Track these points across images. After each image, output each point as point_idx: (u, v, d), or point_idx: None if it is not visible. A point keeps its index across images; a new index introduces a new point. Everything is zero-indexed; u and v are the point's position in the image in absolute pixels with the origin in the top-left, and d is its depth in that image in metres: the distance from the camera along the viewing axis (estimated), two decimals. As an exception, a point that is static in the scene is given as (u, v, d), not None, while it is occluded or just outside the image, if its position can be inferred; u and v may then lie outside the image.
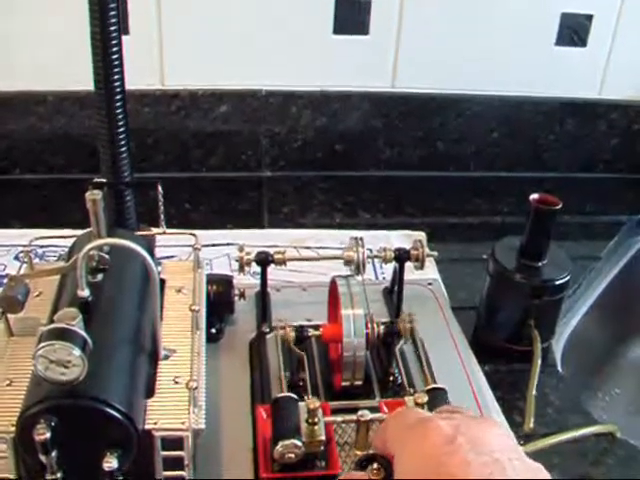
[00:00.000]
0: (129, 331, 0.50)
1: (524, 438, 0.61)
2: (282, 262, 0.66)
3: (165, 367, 0.52)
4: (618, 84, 1.01)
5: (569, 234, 0.88)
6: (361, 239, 0.66)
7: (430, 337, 0.67)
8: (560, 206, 0.66)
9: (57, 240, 0.64)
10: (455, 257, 0.85)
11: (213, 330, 0.65)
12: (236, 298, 0.67)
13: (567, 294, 0.71)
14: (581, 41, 0.97)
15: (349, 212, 0.94)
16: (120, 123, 0.58)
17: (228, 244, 0.82)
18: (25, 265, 0.59)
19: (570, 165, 1.05)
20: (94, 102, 0.58)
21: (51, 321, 0.43)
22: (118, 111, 0.57)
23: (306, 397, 0.56)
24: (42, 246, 0.77)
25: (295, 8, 0.91)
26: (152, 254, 0.62)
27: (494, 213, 0.96)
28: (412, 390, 0.60)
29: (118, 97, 0.57)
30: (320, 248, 0.83)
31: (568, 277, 0.68)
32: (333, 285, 0.63)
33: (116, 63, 0.56)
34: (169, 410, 0.48)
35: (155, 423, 0.47)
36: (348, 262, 0.65)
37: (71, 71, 0.86)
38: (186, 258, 0.74)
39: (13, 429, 0.44)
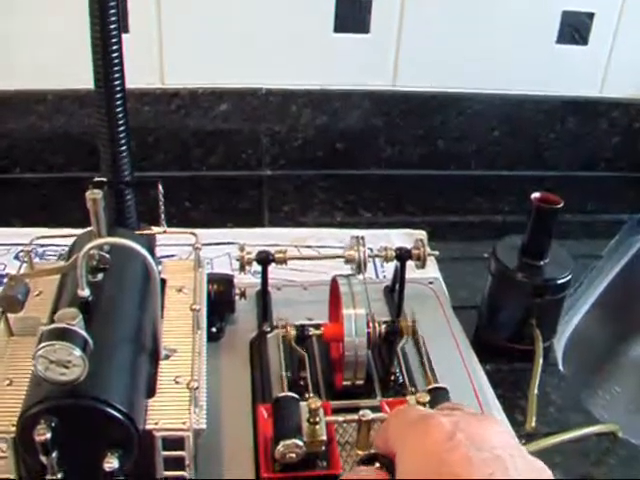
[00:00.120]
0: (130, 331, 0.50)
1: (526, 437, 0.61)
2: (283, 261, 0.66)
3: (166, 367, 0.51)
4: (619, 82, 1.01)
5: (570, 233, 0.88)
6: (362, 238, 0.65)
7: (431, 336, 0.67)
8: (562, 205, 0.66)
9: (57, 239, 0.64)
10: (456, 256, 0.85)
11: (214, 329, 0.65)
12: (237, 297, 0.67)
13: (569, 293, 0.71)
14: (582, 39, 0.97)
15: (350, 211, 0.94)
16: (120, 122, 0.58)
17: (229, 243, 0.81)
18: (25, 264, 0.59)
19: (571, 163, 1.05)
20: (94, 101, 0.57)
21: (51, 321, 0.43)
22: (118, 110, 0.57)
23: (307, 396, 0.56)
24: (42, 245, 0.77)
25: (295, 6, 0.91)
26: (153, 253, 0.61)
27: (495, 212, 0.96)
28: (413, 389, 0.60)
29: (118, 96, 0.57)
30: (321, 247, 0.83)
31: (570, 276, 0.68)
32: (334, 284, 0.63)
33: (116, 62, 0.55)
34: (170, 410, 0.48)
35: (156, 423, 0.47)
36: (349, 261, 0.65)
37: (71, 70, 0.86)
38: (186, 257, 0.74)
39: (13, 429, 0.44)
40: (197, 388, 0.49)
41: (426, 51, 0.96)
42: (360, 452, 0.53)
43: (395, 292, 0.70)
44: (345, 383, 0.60)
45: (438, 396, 0.55)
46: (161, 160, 0.97)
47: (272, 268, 0.67)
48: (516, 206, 0.96)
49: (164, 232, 0.63)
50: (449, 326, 0.71)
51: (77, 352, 0.41)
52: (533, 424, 0.62)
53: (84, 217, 0.50)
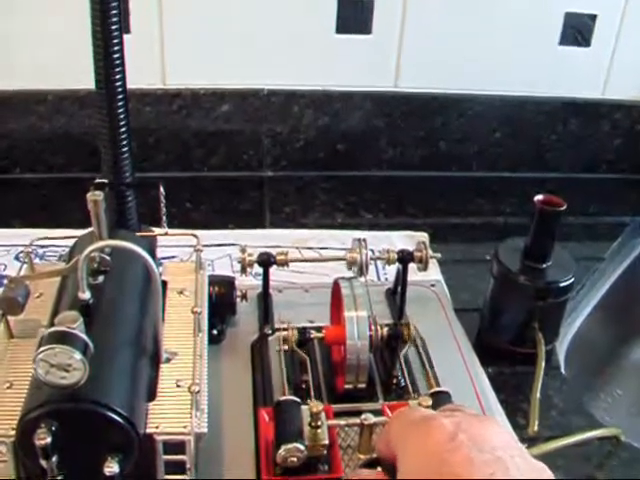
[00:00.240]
0: (130, 334, 0.50)
1: (528, 441, 0.60)
2: (284, 263, 0.66)
3: (167, 370, 0.51)
4: (622, 84, 1.01)
5: (572, 235, 0.88)
6: (364, 240, 0.65)
7: (433, 339, 0.66)
8: (565, 207, 0.65)
9: (58, 240, 0.64)
10: (457, 258, 0.84)
11: (215, 332, 0.65)
12: (238, 299, 0.67)
13: (571, 296, 0.71)
14: (585, 41, 0.97)
15: (351, 212, 0.94)
16: (121, 123, 0.58)
17: (230, 244, 0.81)
18: (25, 266, 0.58)
19: (573, 165, 1.05)
20: (95, 101, 0.57)
21: (51, 324, 0.43)
22: (119, 111, 0.57)
23: (308, 400, 0.56)
24: (42, 246, 0.77)
25: (297, 7, 0.91)
26: (153, 255, 0.61)
27: (496, 214, 0.95)
28: (416, 395, 0.60)
29: (119, 97, 0.56)
30: (322, 248, 0.83)
31: (572, 279, 0.68)
32: (336, 287, 0.63)
33: (117, 62, 0.55)
34: (171, 414, 0.48)
35: (157, 427, 0.47)
36: (351, 264, 0.65)
37: (71, 70, 0.86)
38: (187, 258, 0.73)
39: (13, 433, 0.43)
40: (198, 392, 0.49)
41: (428, 52, 0.95)
42: (362, 456, 0.53)
43: (397, 295, 0.70)
44: (347, 386, 0.60)
45: (440, 400, 0.54)
46: (162, 161, 0.96)
47: (273, 270, 0.67)
48: (517, 208, 0.96)
49: (165, 234, 0.62)
50: (451, 329, 0.70)
51: (77, 356, 0.41)
52: (536, 428, 0.62)
53: (84, 218, 0.50)
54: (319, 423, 0.52)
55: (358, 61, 0.95)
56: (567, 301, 0.70)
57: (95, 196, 0.49)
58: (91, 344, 0.42)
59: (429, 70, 0.97)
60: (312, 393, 0.60)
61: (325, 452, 0.52)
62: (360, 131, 0.99)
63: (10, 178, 0.94)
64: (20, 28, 0.87)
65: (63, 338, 0.41)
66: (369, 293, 0.60)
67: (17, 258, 0.78)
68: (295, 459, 0.51)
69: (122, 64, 0.56)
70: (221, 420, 0.57)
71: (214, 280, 0.65)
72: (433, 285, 0.76)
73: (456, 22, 0.94)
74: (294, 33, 0.92)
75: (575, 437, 0.61)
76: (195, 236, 0.64)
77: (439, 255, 0.67)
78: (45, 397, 0.42)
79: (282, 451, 0.51)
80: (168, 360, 0.52)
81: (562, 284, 0.67)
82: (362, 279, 0.63)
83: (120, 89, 0.56)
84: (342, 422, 0.54)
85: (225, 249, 0.81)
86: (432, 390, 0.58)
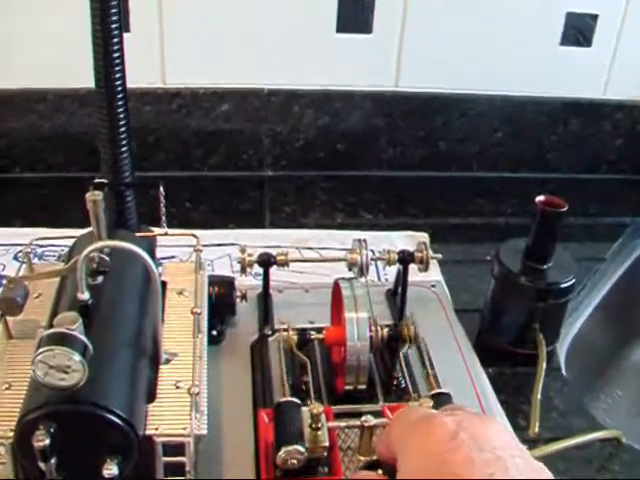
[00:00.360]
0: (130, 335, 0.49)
1: (529, 443, 0.60)
2: (284, 263, 0.65)
3: (166, 371, 0.51)
4: (623, 84, 1.00)
5: (573, 236, 0.87)
6: (364, 241, 0.65)
7: (433, 340, 0.66)
8: (566, 208, 0.65)
9: (57, 240, 0.64)
10: (458, 258, 0.84)
11: (214, 332, 0.64)
12: (238, 300, 0.66)
13: (572, 297, 0.71)
14: (586, 41, 0.97)
15: (351, 212, 0.93)
16: (121, 122, 0.57)
17: (230, 244, 0.81)
18: (24, 266, 0.58)
19: (574, 166, 1.04)
20: (95, 101, 0.57)
21: (50, 324, 0.43)
22: (119, 110, 0.57)
23: (309, 401, 0.55)
24: (41, 246, 0.77)
25: (298, 6, 0.90)
26: (153, 256, 0.61)
27: (497, 214, 0.95)
28: (416, 395, 0.59)
29: (119, 96, 0.56)
30: (322, 249, 0.82)
31: (573, 280, 0.68)
32: (336, 287, 0.62)
33: (117, 61, 0.55)
34: (170, 415, 0.47)
35: (156, 429, 0.46)
36: (352, 264, 0.64)
37: (71, 69, 0.85)
38: (187, 258, 0.73)
39: (12, 434, 0.43)
40: (198, 393, 0.48)
41: (429, 52, 0.95)
42: (362, 458, 0.52)
43: (397, 295, 0.70)
44: (347, 387, 0.59)
45: (441, 401, 0.54)
46: (162, 160, 0.96)
47: (273, 270, 0.66)
48: (518, 208, 0.95)
49: (165, 234, 0.62)
50: (451, 330, 0.70)
51: (76, 357, 0.41)
52: (536, 429, 0.61)
53: (84, 217, 0.50)
54: (319, 425, 0.52)
55: (358, 61, 0.95)
56: (568, 302, 0.69)
57: (94, 196, 0.48)
58: (90, 345, 0.42)
59: (429, 70, 0.96)
60: (312, 394, 0.59)
61: (325, 454, 0.52)
62: (360, 131, 0.99)
63: (10, 177, 0.94)
64: (20, 28, 0.87)
65: (62, 340, 0.41)
66: (369, 294, 0.60)
67: (16, 258, 0.78)
68: (295, 461, 0.51)
69: (122, 63, 0.56)
70: (221, 421, 0.57)
71: (214, 280, 0.65)
72: (434, 286, 0.76)
73: (457, 22, 0.94)
74: (294, 33, 0.92)
75: (576, 439, 0.61)
76: (195, 236, 0.64)
77: (440, 256, 0.67)
78: (44, 399, 0.42)
79: (282, 453, 0.51)
80: (168, 361, 0.52)
81: (563, 285, 0.67)
82: (362, 280, 0.63)
83: (120, 88, 0.56)
84: (342, 424, 0.54)
85: (225, 249, 0.81)
86: (433, 392, 0.57)
